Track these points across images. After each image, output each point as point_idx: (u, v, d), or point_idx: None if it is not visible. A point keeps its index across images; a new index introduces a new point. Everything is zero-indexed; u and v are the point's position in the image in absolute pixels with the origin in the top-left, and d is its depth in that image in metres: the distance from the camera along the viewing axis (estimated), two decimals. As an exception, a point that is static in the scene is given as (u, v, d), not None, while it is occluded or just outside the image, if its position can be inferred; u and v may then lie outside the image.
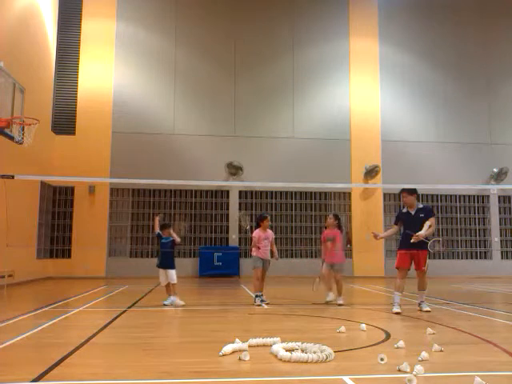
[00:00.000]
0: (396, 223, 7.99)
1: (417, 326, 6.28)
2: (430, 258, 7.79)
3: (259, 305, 8.37)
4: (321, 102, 18.24)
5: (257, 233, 8.86)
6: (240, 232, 17.21)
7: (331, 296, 8.68)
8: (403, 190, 7.86)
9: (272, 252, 8.99)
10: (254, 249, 8.81)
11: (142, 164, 16.69)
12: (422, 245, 7.46)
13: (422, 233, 7.37)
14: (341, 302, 8.41)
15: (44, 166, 15.04)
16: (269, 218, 9.06)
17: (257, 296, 8.59)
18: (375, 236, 8.04)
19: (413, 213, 7.68)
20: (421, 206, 7.81)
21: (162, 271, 8.55)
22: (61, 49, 17.12)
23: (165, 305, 8.27)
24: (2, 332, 5.62)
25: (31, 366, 4.06)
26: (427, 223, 7.46)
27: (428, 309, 7.49)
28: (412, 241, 7.36)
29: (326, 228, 9.07)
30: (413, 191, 7.74)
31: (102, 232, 16.27)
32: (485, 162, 18.54)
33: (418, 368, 3.74)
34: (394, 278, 7.90)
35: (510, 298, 10.82)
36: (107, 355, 4.60)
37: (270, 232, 8.96)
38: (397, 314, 7.20)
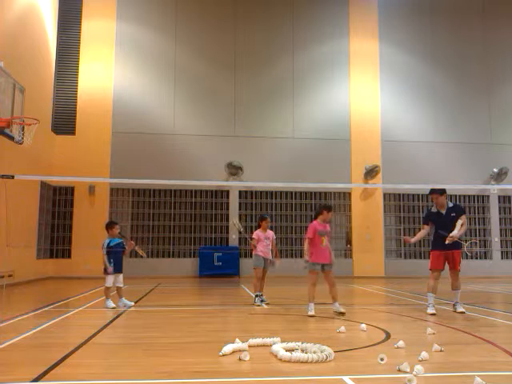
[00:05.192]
0: (426, 223, 7.77)
1: (417, 326, 6.28)
2: (466, 259, 7.68)
3: (259, 305, 8.38)
4: (321, 102, 18.24)
5: (257, 233, 8.89)
6: (240, 232, 17.22)
7: (312, 308, 7.18)
8: (433, 192, 7.62)
9: (274, 253, 8.90)
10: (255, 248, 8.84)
11: (142, 164, 16.69)
12: (455, 245, 7.38)
13: (456, 233, 7.27)
14: (342, 309, 7.20)
15: (44, 166, 15.04)
16: (268, 219, 9.04)
17: (257, 296, 8.59)
18: (408, 240, 7.68)
19: (444, 212, 7.55)
20: (451, 204, 7.66)
21: (113, 276, 8.02)
22: (61, 49, 17.12)
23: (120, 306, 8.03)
24: (1, 332, 5.62)
25: (31, 366, 4.05)
26: (459, 222, 7.37)
27: (462, 310, 7.35)
28: (447, 242, 7.27)
29: (315, 220, 7.54)
30: (443, 191, 7.57)
31: (102, 232, 16.18)
32: (485, 162, 18.53)
33: (418, 368, 3.74)
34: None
35: (510, 298, 10.82)
36: (107, 355, 4.60)
37: (270, 232, 8.98)
38: (432, 315, 7.10)
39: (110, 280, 7.99)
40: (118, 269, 8.08)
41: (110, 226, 8.34)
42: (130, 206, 17.12)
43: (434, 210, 7.73)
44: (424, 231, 7.77)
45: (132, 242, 8.54)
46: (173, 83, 17.64)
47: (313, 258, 7.31)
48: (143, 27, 17.76)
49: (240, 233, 16.88)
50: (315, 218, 7.59)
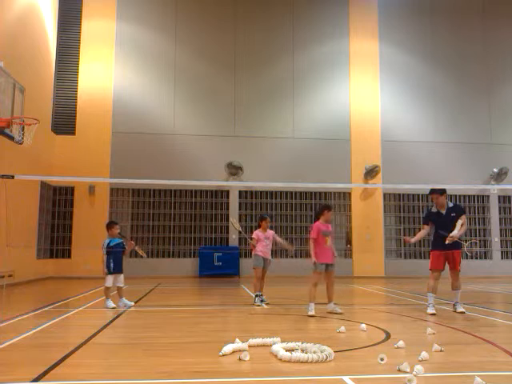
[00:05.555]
0: (426, 223, 7.77)
1: (417, 326, 6.28)
2: (466, 259, 7.72)
3: (259, 305, 8.37)
4: (321, 102, 18.24)
5: (256, 233, 8.91)
6: (240, 232, 17.18)
7: (313, 308, 7.18)
8: (433, 192, 7.62)
9: (282, 245, 9.13)
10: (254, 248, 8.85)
11: (142, 164, 16.69)
12: (456, 245, 7.38)
13: (456, 233, 7.27)
14: (339, 310, 7.29)
15: (44, 165, 15.04)
16: (268, 219, 9.04)
17: (256, 296, 8.58)
18: (408, 241, 7.68)
19: (444, 212, 7.54)
20: (451, 204, 7.66)
21: (113, 276, 8.03)
22: (61, 49, 17.12)
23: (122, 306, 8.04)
24: (1, 332, 5.62)
25: (31, 366, 4.06)
26: (459, 222, 7.36)
27: (462, 310, 7.36)
28: (447, 242, 7.27)
29: (317, 220, 7.53)
30: (443, 191, 7.58)
31: (102, 232, 16.17)
32: (485, 162, 18.53)
33: (418, 368, 3.74)
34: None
35: (510, 298, 10.82)
36: (107, 355, 4.60)
37: (270, 232, 8.99)
38: (432, 315, 7.10)
39: (109, 280, 8.00)
40: (117, 269, 8.09)
41: (109, 225, 8.36)
42: (130, 206, 17.12)
43: (434, 209, 7.73)
44: (424, 231, 7.78)
45: (132, 242, 8.55)
46: (173, 83, 17.64)
47: (317, 258, 7.28)
48: (143, 27, 17.75)
49: (240, 233, 16.89)
50: (317, 218, 7.57)
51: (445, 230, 7.35)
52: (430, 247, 7.81)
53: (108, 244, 8.10)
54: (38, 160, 14.36)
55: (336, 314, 7.20)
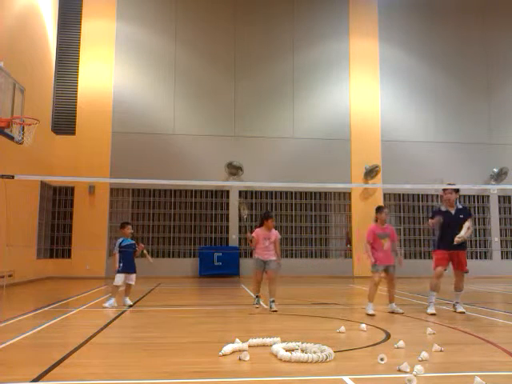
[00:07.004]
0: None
1: (417, 326, 6.28)
2: (467, 259, 7.79)
3: (257, 307, 8.05)
4: (321, 102, 18.24)
5: (256, 232, 8.15)
6: (240, 232, 17.19)
7: (372, 308, 7.33)
8: (447, 188, 7.63)
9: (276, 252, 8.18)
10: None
11: (142, 164, 16.68)
12: (461, 245, 7.42)
13: (464, 234, 7.31)
14: (400, 310, 7.43)
15: (44, 165, 15.04)
16: (273, 218, 8.28)
17: (257, 296, 8.37)
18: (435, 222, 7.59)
19: (453, 212, 7.56)
20: (460, 206, 7.69)
21: (123, 276, 8.12)
22: (61, 49, 17.12)
23: (130, 305, 8.14)
24: (1, 332, 5.62)
25: (31, 366, 4.06)
26: (466, 224, 7.39)
27: (462, 310, 7.38)
28: (455, 242, 7.29)
29: (374, 224, 7.61)
30: (457, 190, 7.63)
31: (102, 232, 16.24)
32: (485, 162, 18.53)
33: (418, 368, 3.74)
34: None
35: (510, 298, 10.82)
36: (107, 355, 4.60)
37: (273, 232, 8.08)
38: (432, 315, 7.11)
39: (118, 279, 8.05)
40: (126, 269, 8.14)
41: (122, 226, 8.48)
42: (130, 206, 17.11)
43: (442, 208, 7.70)
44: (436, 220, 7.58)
45: (142, 246, 8.53)
46: (173, 83, 17.64)
47: (376, 260, 7.35)
48: (143, 27, 17.75)
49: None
50: (375, 221, 7.61)
51: (452, 231, 7.33)
52: (435, 247, 7.78)
53: (120, 243, 8.20)
54: (38, 160, 14.36)
55: (397, 313, 7.22)
